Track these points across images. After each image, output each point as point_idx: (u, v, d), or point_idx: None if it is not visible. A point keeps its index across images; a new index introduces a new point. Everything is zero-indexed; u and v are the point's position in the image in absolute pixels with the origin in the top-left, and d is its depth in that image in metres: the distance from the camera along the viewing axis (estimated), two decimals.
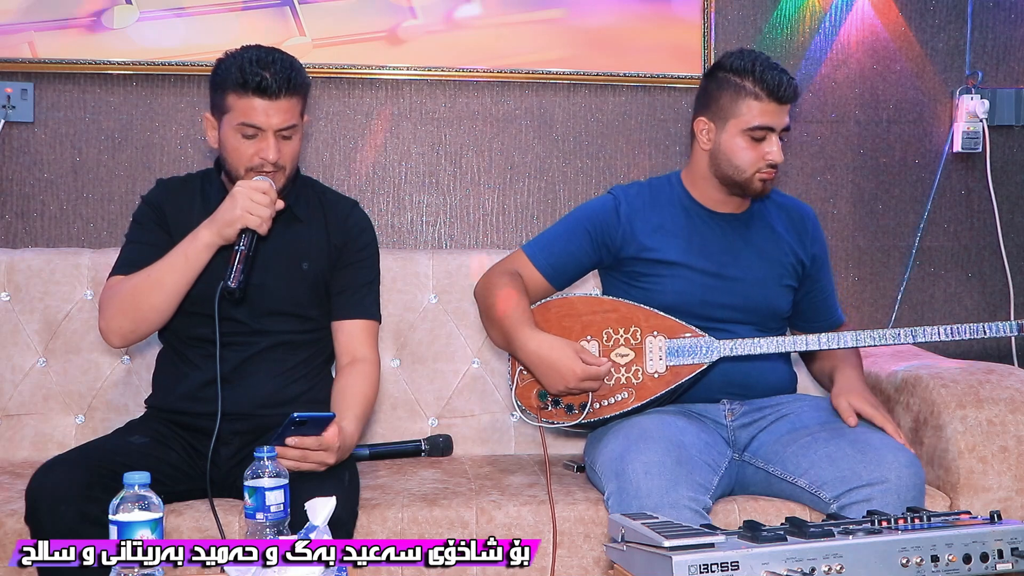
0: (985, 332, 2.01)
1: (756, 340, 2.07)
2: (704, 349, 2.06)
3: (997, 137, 3.03)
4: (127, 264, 2.03)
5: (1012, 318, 3.02)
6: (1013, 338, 3.03)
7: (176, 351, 2.12)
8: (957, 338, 2.00)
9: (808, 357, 2.36)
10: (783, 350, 2.08)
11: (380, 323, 2.19)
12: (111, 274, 2.05)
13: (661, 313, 2.09)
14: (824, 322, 2.30)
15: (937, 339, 2.01)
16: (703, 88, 2.16)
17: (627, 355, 2.09)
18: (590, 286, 2.47)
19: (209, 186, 2.13)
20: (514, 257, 2.22)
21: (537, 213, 2.88)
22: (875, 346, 2.05)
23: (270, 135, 1.96)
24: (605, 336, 2.10)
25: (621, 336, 2.10)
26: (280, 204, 1.95)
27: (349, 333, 2.12)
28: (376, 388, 2.11)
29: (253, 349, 2.07)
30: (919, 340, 2.02)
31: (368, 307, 2.15)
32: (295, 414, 1.75)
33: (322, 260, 2.12)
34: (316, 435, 1.80)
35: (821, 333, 2.10)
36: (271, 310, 2.08)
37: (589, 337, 2.11)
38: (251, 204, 1.89)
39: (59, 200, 2.73)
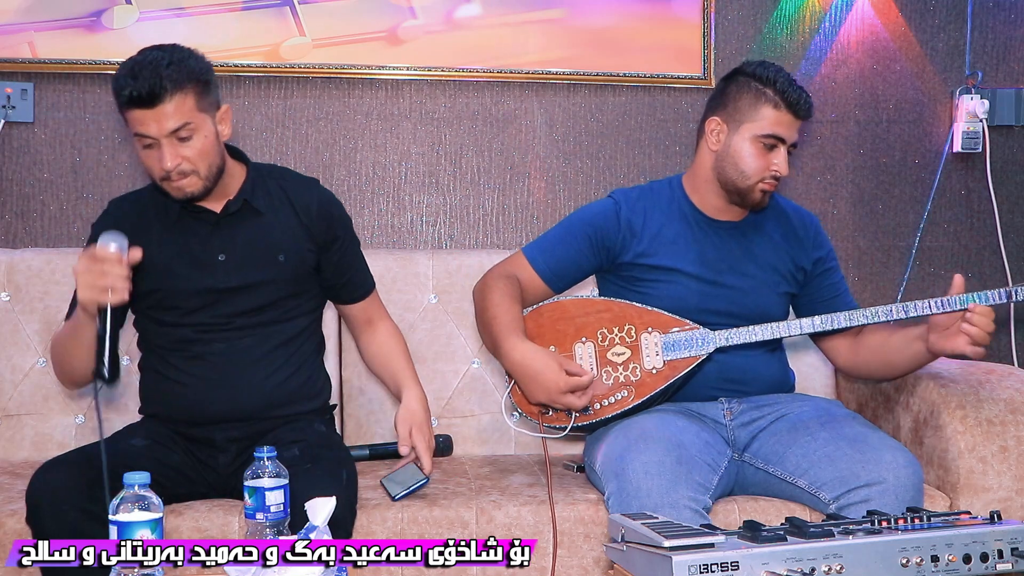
0: (976, 302, 2.01)
1: (751, 328, 2.07)
2: (700, 341, 2.07)
3: (997, 137, 3.02)
4: (73, 308, 2.00)
5: (1012, 318, 3.03)
6: (1012, 337, 3.03)
7: (159, 357, 2.07)
8: (949, 309, 2.00)
9: (854, 343, 2.25)
10: (778, 335, 2.08)
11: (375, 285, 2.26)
12: (66, 317, 2.03)
13: (654, 309, 2.09)
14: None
15: (928, 312, 2.01)
16: (720, 89, 2.16)
17: (624, 353, 2.09)
18: (588, 289, 2.47)
19: (164, 191, 2.03)
20: (514, 259, 2.21)
21: (537, 213, 2.88)
22: (868, 324, 2.08)
23: (162, 143, 1.87)
24: (600, 336, 2.10)
25: (616, 335, 2.09)
26: (138, 254, 1.76)
27: (359, 310, 2.22)
28: (404, 339, 2.24)
29: (240, 347, 2.03)
30: (911, 314, 2.03)
31: (364, 282, 2.22)
32: (394, 496, 1.99)
33: (299, 247, 2.07)
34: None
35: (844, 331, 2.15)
36: (253, 307, 2.04)
37: (584, 339, 2.10)
38: (90, 280, 1.70)
39: (59, 200, 2.73)
